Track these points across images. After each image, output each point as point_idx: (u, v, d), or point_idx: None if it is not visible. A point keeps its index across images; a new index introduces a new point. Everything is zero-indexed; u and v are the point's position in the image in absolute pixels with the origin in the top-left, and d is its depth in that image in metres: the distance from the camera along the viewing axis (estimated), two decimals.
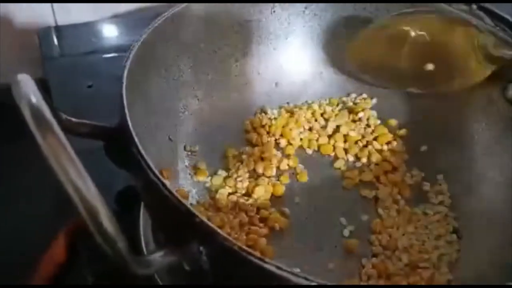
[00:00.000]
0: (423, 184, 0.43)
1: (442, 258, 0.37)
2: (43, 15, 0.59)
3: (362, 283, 0.36)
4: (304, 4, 0.46)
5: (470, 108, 0.44)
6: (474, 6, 0.46)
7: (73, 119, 0.31)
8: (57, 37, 0.59)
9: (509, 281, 0.34)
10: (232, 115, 0.46)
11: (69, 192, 0.21)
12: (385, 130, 0.46)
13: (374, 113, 0.47)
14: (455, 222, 0.40)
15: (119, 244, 0.22)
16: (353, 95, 0.49)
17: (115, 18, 0.62)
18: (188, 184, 0.41)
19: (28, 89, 0.23)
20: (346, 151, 0.45)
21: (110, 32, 0.61)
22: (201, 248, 0.26)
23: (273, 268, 0.24)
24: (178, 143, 0.42)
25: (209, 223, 0.25)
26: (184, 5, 0.40)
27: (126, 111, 0.31)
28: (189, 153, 0.43)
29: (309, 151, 0.45)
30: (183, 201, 0.26)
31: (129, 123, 0.30)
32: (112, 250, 0.22)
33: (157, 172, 0.27)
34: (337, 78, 0.49)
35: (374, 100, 0.48)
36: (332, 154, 0.45)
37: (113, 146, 0.34)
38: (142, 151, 0.28)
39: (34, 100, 0.23)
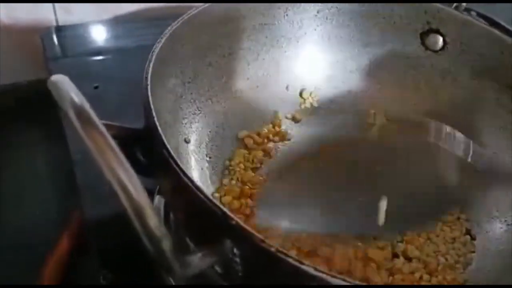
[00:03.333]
0: None
1: (459, 260, 0.38)
2: (45, 16, 0.59)
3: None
4: (316, 8, 0.47)
5: (480, 112, 0.45)
6: (474, 13, 0.47)
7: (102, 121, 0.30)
8: (58, 38, 0.58)
9: None
10: (246, 117, 0.46)
11: (116, 190, 0.21)
12: None
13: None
14: (468, 224, 0.41)
15: (163, 243, 0.22)
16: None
17: (116, 19, 0.62)
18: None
19: (68, 89, 0.23)
20: None
21: (111, 33, 0.61)
22: (234, 250, 0.26)
23: (311, 270, 0.24)
24: (193, 145, 0.42)
25: (245, 225, 0.25)
26: (200, 8, 0.40)
27: (154, 113, 0.30)
28: (205, 155, 0.43)
29: None
30: (217, 203, 0.26)
31: (157, 125, 0.30)
32: (157, 250, 0.22)
33: (188, 174, 0.27)
34: (347, 82, 0.49)
35: (385, 102, 0.49)
36: None
37: (130, 149, 0.34)
38: (173, 154, 0.28)
39: (76, 99, 0.22)
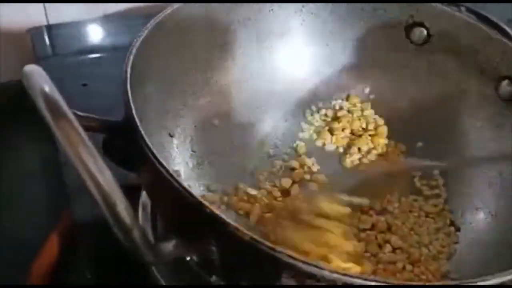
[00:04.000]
0: (420, 179, 0.44)
1: (443, 251, 0.38)
2: (35, 15, 0.59)
3: None
4: (301, 3, 0.47)
5: (465, 105, 0.45)
6: (463, 8, 0.47)
7: (79, 113, 0.31)
8: (49, 37, 0.59)
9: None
10: (231, 112, 0.46)
11: (85, 180, 0.21)
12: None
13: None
14: (452, 215, 0.41)
15: (134, 233, 0.22)
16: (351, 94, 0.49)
17: (107, 17, 0.62)
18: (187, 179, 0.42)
19: (40, 79, 0.23)
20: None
21: (101, 32, 0.60)
22: (210, 238, 0.26)
23: (284, 257, 0.25)
24: (178, 140, 0.42)
25: (220, 214, 0.26)
26: (184, 3, 0.41)
27: (132, 105, 0.31)
28: (189, 149, 0.43)
29: None
30: (192, 192, 0.26)
31: (135, 118, 0.30)
32: (127, 239, 0.22)
33: (165, 164, 0.27)
34: (334, 76, 0.49)
35: (372, 96, 0.49)
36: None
37: (114, 143, 0.34)
38: (151, 145, 0.28)
39: (47, 89, 0.23)
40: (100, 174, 0.22)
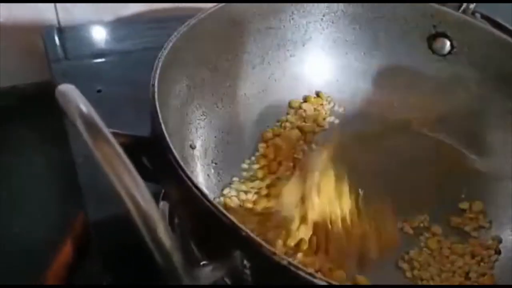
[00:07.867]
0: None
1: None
2: (46, 17, 0.58)
3: None
4: (322, 12, 0.46)
5: (488, 116, 0.44)
6: (478, 15, 0.47)
7: (112, 130, 0.30)
8: (60, 40, 0.58)
9: None
10: (251, 122, 0.45)
11: (125, 202, 0.21)
12: None
13: None
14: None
15: (174, 257, 0.22)
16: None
17: (119, 20, 0.61)
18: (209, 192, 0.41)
19: (76, 98, 0.22)
20: None
21: (113, 35, 0.60)
22: (245, 262, 0.26)
23: (323, 283, 0.24)
24: (199, 151, 0.41)
25: (256, 237, 0.25)
26: (206, 13, 0.40)
27: (161, 121, 0.30)
28: (210, 161, 0.42)
29: None
30: (227, 214, 0.26)
31: (165, 135, 0.29)
32: (167, 263, 0.21)
33: (197, 184, 0.27)
34: (353, 85, 0.49)
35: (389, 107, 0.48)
36: None
37: (137, 156, 0.33)
38: (182, 163, 0.27)
39: (84, 109, 0.22)
40: (140, 196, 0.21)
